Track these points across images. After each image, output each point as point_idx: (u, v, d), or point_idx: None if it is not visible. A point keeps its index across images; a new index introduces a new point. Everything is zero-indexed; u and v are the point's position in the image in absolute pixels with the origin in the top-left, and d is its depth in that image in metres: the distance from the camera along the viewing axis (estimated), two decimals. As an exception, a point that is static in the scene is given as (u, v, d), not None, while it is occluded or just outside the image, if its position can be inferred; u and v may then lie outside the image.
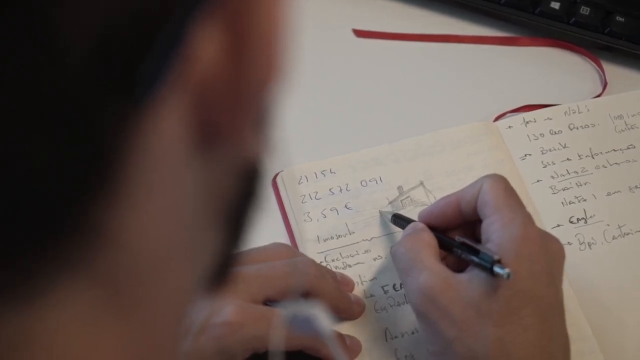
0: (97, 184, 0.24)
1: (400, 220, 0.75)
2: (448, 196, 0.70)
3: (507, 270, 0.59)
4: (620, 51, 0.91)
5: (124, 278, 0.27)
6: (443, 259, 0.66)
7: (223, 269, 0.34)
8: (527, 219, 0.64)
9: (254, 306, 0.65)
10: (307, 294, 0.68)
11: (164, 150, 0.26)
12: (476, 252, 0.62)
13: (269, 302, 0.67)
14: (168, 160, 0.26)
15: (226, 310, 0.64)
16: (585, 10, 0.92)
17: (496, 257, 0.60)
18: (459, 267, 0.64)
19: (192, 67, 0.25)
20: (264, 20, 0.26)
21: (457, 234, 0.67)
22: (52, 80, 0.22)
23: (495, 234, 0.63)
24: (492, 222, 0.64)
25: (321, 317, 0.55)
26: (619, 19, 0.92)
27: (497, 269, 0.60)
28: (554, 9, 0.92)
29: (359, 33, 0.94)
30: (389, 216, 0.76)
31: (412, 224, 0.70)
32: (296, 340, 0.64)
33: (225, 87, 0.26)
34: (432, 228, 0.68)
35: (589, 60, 0.92)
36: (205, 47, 0.25)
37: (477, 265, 0.62)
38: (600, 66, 0.91)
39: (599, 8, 0.92)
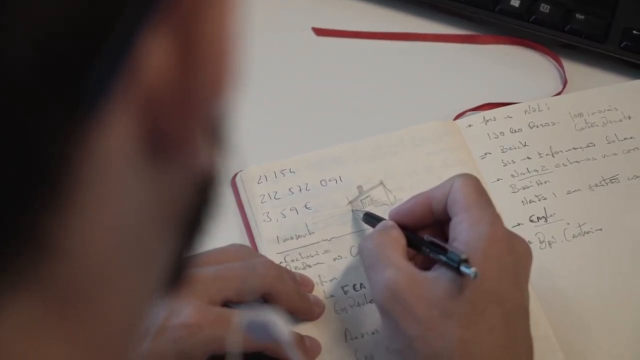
0: (43, 194, 0.23)
1: (371, 219, 0.74)
2: (419, 195, 0.69)
3: (474, 270, 0.59)
4: (580, 49, 0.92)
5: (73, 287, 0.26)
6: (412, 259, 0.66)
7: (177, 272, 0.33)
8: (496, 218, 0.64)
9: (212, 308, 0.65)
10: (266, 295, 0.68)
11: (113, 161, 0.25)
12: (444, 251, 0.62)
13: (228, 303, 0.66)
14: (117, 170, 0.26)
15: (185, 312, 0.63)
16: (545, 8, 0.92)
17: (463, 257, 0.59)
18: (427, 267, 0.64)
19: (141, 77, 0.24)
20: (213, 28, 0.26)
21: (427, 233, 0.67)
22: None
23: (463, 232, 0.63)
24: (461, 221, 0.64)
25: (278, 323, 0.54)
26: (579, 16, 0.92)
27: (463, 269, 0.59)
28: (514, 7, 0.92)
29: (319, 31, 0.93)
30: (361, 214, 0.76)
31: (382, 222, 0.70)
32: (254, 343, 0.63)
33: (174, 96, 0.26)
34: (403, 227, 0.68)
35: (549, 58, 0.92)
36: (154, 56, 0.25)
37: (444, 264, 0.61)
38: (560, 64, 0.91)
39: (559, 6, 0.92)
